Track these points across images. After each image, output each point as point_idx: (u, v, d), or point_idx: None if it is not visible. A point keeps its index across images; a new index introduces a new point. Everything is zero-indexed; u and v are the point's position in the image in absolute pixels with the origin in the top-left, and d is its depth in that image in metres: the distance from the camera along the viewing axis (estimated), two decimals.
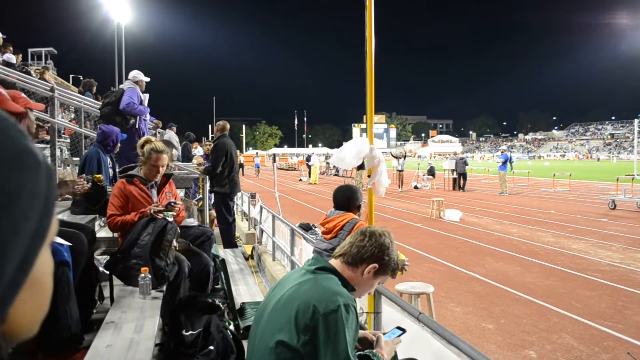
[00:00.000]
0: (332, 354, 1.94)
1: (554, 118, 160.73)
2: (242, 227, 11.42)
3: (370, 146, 3.25)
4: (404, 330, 2.55)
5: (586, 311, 5.67)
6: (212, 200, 8.41)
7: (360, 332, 2.44)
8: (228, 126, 8.13)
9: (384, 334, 2.56)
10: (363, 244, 2.23)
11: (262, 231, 9.65)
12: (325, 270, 2.19)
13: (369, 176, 3.37)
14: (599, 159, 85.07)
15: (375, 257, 2.21)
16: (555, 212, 14.78)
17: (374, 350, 2.33)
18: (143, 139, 4.13)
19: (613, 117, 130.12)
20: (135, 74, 6.79)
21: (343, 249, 2.27)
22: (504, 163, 21.23)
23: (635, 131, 29.54)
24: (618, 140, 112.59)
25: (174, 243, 3.68)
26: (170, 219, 3.72)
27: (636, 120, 33.83)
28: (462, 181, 22.96)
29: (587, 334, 5.04)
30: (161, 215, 3.71)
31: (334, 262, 2.24)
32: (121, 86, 6.71)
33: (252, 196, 12.13)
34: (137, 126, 6.48)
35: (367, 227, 2.38)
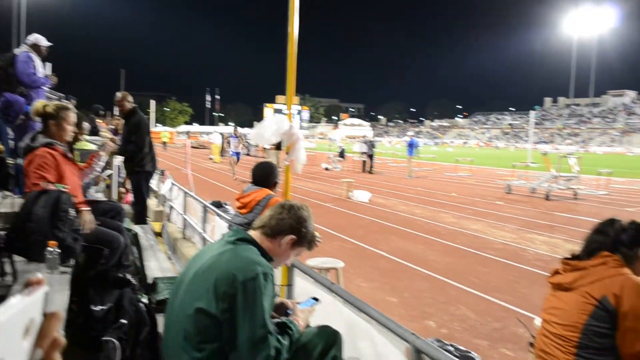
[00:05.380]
0: (250, 320, 2.03)
1: (459, 107, 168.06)
2: (150, 204, 11.16)
3: (289, 124, 3.34)
4: (318, 300, 2.68)
5: (481, 285, 6.12)
6: (122, 176, 8.14)
7: (277, 299, 2.55)
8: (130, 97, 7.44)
9: (298, 303, 2.68)
10: (282, 216, 2.33)
11: (171, 208, 9.50)
12: (245, 241, 2.26)
13: (287, 153, 3.46)
14: (498, 147, 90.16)
15: (293, 228, 2.32)
16: (457, 195, 15.62)
17: (290, 318, 2.45)
18: (40, 102, 3.82)
19: (512, 109, 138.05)
20: (34, 38, 6.14)
21: (263, 221, 2.35)
22: (411, 148, 22.19)
23: (530, 122, 31.60)
24: (515, 130, 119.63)
25: (72, 212, 3.53)
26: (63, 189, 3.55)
27: (531, 112, 36.08)
28: (370, 163, 23.77)
29: (481, 305, 5.46)
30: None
31: (253, 234, 2.32)
32: (15, 50, 6.13)
33: (162, 173, 11.87)
34: (25, 94, 5.98)
35: (286, 201, 2.48)
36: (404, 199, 14.43)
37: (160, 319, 2.89)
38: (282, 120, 3.34)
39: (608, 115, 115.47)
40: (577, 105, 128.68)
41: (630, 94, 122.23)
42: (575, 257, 2.61)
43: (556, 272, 2.64)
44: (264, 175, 3.92)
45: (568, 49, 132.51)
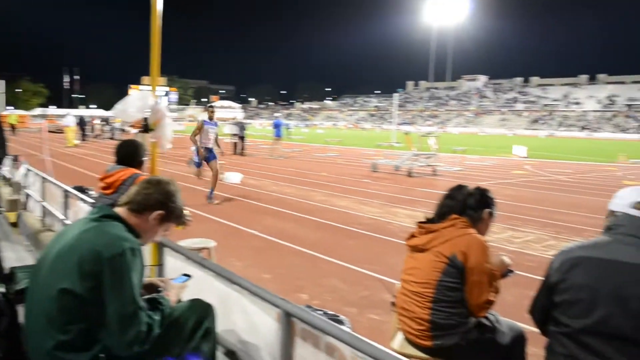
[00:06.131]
0: (118, 297, 2.00)
1: (329, 89, 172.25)
2: (2, 192, 10.29)
3: (155, 99, 3.26)
4: (189, 276, 2.69)
5: (350, 257, 6.41)
6: None
7: (147, 279, 2.52)
8: None
9: (171, 280, 2.67)
10: (149, 191, 2.29)
11: (28, 196, 8.83)
12: (110, 217, 2.20)
13: (152, 130, 3.37)
14: (364, 128, 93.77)
15: (160, 203, 2.29)
16: (327, 174, 16.10)
17: (161, 294, 2.43)
18: None
19: (378, 91, 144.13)
20: None
21: (129, 196, 2.30)
22: (277, 129, 22.65)
23: (394, 104, 33.26)
24: (381, 112, 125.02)
25: None
26: None
27: (395, 95, 37.92)
28: (241, 145, 23.86)
29: (351, 276, 5.73)
30: None
31: (119, 210, 2.26)
32: None
33: (15, 159, 10.97)
34: None
35: (153, 176, 2.44)
36: (275, 179, 14.61)
37: (21, 310, 2.73)
38: (147, 96, 3.25)
39: (463, 98, 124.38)
40: (436, 88, 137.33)
41: (482, 78, 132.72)
42: (429, 221, 2.86)
43: (412, 236, 2.88)
44: (129, 154, 3.80)
45: (428, 36, 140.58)
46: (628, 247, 2.04)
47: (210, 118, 10.84)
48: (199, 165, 10.90)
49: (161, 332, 2.15)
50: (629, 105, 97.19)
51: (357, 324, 4.11)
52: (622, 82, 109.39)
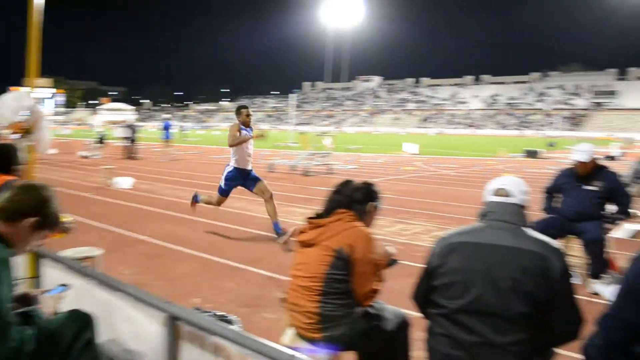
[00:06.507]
0: None
1: (225, 91, 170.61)
2: None
3: (32, 100, 3.07)
4: (67, 286, 2.57)
5: (244, 258, 6.39)
6: None
7: (20, 291, 2.38)
8: None
9: (46, 291, 2.54)
10: (21, 197, 2.17)
11: None
12: None
13: (30, 133, 3.18)
14: (261, 130, 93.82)
15: (34, 210, 2.17)
16: (212, 175, 15.92)
17: (35, 307, 2.31)
18: None
19: (276, 92, 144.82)
20: None
21: None
22: (167, 131, 22.24)
23: (291, 105, 33.54)
24: (279, 112, 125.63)
25: None
26: None
27: (291, 96, 38.37)
28: (132, 149, 23.15)
29: (245, 277, 5.72)
30: None
31: None
32: None
33: None
34: None
35: (25, 181, 2.31)
36: (168, 182, 14.23)
37: None
38: (23, 96, 3.06)
39: (358, 98, 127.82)
40: (332, 89, 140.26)
41: (376, 79, 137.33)
42: (318, 216, 2.94)
43: (302, 232, 2.94)
44: (3, 160, 3.54)
45: (324, 37, 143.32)
46: (499, 232, 2.25)
47: (246, 124, 7.92)
48: (224, 191, 8.01)
49: (36, 346, 2.04)
50: (509, 104, 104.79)
51: (251, 324, 4.12)
52: (504, 83, 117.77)
